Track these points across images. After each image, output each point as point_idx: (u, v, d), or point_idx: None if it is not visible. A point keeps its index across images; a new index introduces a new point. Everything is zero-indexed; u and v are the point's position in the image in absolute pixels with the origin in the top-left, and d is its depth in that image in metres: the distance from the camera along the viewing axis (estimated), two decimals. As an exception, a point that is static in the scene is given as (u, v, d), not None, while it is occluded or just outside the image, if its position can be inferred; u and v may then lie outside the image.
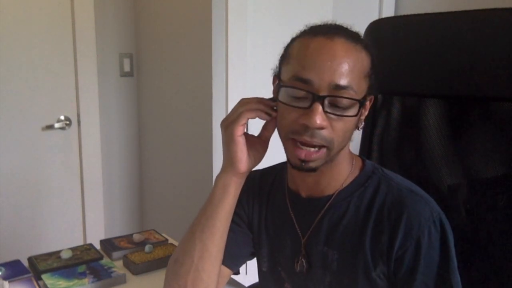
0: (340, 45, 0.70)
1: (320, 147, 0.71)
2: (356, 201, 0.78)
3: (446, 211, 0.76)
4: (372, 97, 0.77)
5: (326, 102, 0.69)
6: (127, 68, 2.39)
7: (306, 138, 0.70)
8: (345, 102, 0.69)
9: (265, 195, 0.90)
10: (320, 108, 0.68)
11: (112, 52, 2.34)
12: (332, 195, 0.80)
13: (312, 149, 0.71)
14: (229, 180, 0.80)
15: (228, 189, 0.80)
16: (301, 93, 0.70)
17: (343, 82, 0.68)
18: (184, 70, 2.09)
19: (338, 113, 0.70)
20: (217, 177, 0.82)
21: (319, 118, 0.68)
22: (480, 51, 0.85)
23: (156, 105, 2.35)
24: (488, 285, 0.86)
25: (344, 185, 0.80)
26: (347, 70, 0.69)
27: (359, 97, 0.71)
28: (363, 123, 0.77)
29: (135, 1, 2.37)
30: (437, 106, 0.94)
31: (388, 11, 2.01)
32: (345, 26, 0.75)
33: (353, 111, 0.71)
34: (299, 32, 0.77)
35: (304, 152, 0.71)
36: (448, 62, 0.90)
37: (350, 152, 0.82)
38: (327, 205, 0.80)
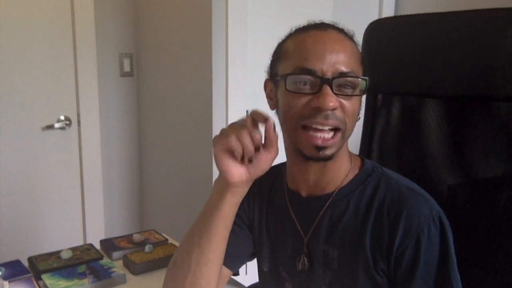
0: (334, 35, 0.74)
1: (335, 130, 0.72)
2: (355, 200, 0.78)
3: (446, 211, 0.76)
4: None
5: (334, 84, 0.71)
6: (127, 68, 2.39)
7: (320, 120, 0.71)
8: (351, 82, 0.72)
9: (265, 195, 0.90)
10: (329, 90, 0.70)
11: (112, 52, 2.34)
12: (332, 193, 0.80)
13: (327, 135, 0.72)
14: (223, 190, 0.78)
15: (224, 194, 0.78)
16: (307, 80, 0.71)
17: (345, 68, 0.71)
18: (184, 70, 2.09)
19: (347, 93, 0.72)
20: (216, 180, 0.81)
21: (331, 100, 0.70)
22: (480, 51, 0.85)
23: (156, 105, 2.35)
24: (488, 284, 0.86)
25: (343, 184, 0.80)
26: (346, 56, 0.72)
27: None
28: (360, 117, 0.79)
29: (135, 1, 2.37)
30: (437, 106, 0.94)
31: (388, 11, 2.01)
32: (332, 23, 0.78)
33: (359, 91, 0.73)
34: (284, 36, 0.79)
35: (320, 139, 0.72)
36: (448, 62, 0.90)
37: (349, 151, 0.83)
38: (327, 204, 0.80)
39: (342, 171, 0.80)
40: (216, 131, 1.87)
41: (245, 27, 1.84)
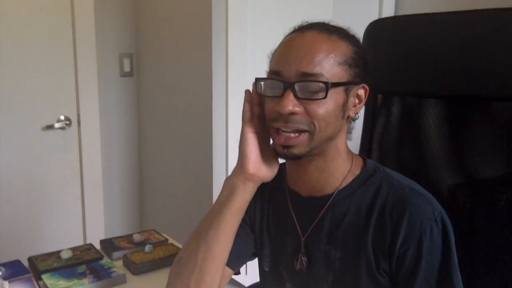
0: (309, 37, 0.73)
1: (299, 132, 0.73)
2: (357, 200, 0.78)
3: (446, 210, 0.76)
4: (364, 85, 0.77)
5: (297, 88, 0.71)
6: (127, 68, 2.39)
7: (281, 124, 0.73)
8: (314, 86, 0.71)
9: (266, 195, 0.90)
10: (290, 95, 0.71)
11: (112, 52, 2.34)
12: (332, 194, 0.80)
13: (292, 134, 0.73)
14: (237, 180, 0.80)
15: (235, 190, 0.80)
16: (276, 84, 0.73)
17: (309, 69, 0.71)
18: (184, 70, 2.10)
19: (309, 97, 0.72)
20: (226, 180, 0.82)
21: (289, 104, 0.71)
22: (480, 51, 0.85)
23: (156, 105, 2.35)
24: (489, 284, 0.86)
25: (344, 184, 0.80)
26: (313, 58, 0.71)
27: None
28: (358, 114, 0.78)
29: (135, 1, 2.37)
30: (437, 106, 0.94)
31: (388, 11, 2.01)
32: (327, 22, 0.77)
33: (322, 94, 0.72)
34: None
35: (283, 137, 0.74)
36: (448, 62, 0.90)
37: (349, 151, 0.82)
38: (327, 204, 0.80)
39: (339, 172, 0.80)
40: (216, 131, 1.89)
41: (245, 27, 1.84)
